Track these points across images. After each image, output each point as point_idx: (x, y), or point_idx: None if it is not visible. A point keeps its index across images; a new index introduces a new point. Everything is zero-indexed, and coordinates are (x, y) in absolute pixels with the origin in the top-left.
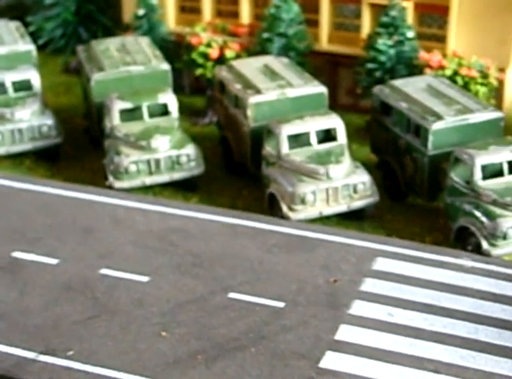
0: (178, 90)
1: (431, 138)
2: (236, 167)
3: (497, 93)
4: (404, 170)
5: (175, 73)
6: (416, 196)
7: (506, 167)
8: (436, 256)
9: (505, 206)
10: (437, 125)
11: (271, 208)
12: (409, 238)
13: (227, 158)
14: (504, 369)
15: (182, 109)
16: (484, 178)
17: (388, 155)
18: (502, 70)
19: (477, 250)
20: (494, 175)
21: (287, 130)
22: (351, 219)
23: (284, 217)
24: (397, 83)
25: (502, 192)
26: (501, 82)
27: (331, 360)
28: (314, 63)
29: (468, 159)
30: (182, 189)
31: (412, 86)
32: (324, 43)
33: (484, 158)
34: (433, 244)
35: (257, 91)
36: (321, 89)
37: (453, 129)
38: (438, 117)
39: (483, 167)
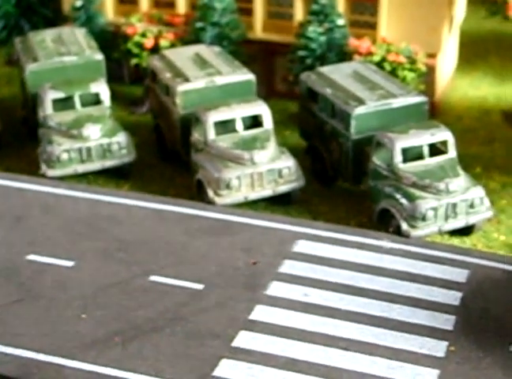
0: (118, 80)
1: (353, 123)
2: (169, 155)
3: (429, 79)
4: (331, 155)
5: (116, 63)
6: (342, 180)
7: (426, 150)
8: (357, 238)
9: (424, 188)
10: (359, 110)
11: (199, 193)
12: (335, 222)
13: (160, 145)
14: (414, 346)
15: (122, 98)
16: (405, 161)
17: (315, 141)
18: (432, 56)
19: (398, 232)
20: (414, 158)
21: (213, 117)
22: (278, 203)
23: (210, 202)
24: (324, 69)
25: (422, 174)
26: (432, 68)
27: (244, 339)
28: (248, 52)
29: (389, 142)
30: (116, 176)
31: (338, 72)
32: (258, 32)
33: (404, 141)
34: (358, 227)
35: (186, 80)
36: (249, 77)
37: (376, 113)
38: (361, 102)
39: (404, 151)
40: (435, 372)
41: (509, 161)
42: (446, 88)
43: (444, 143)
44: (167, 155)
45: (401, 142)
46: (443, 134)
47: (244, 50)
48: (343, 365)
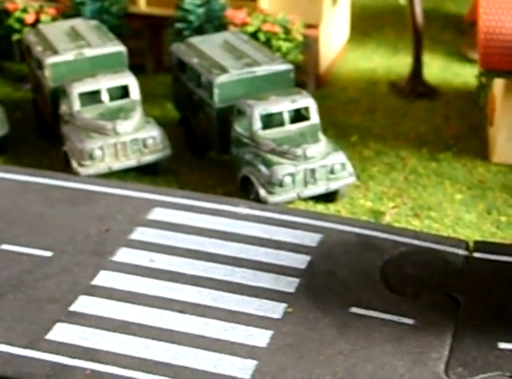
0: (9, 57)
1: (216, 91)
2: (46, 128)
3: (312, 50)
4: (200, 125)
5: (4, 40)
6: (211, 150)
7: (286, 117)
8: (214, 204)
9: (282, 154)
10: (221, 79)
11: (67, 165)
12: (202, 191)
13: (38, 120)
14: (251, 309)
15: (10, 75)
16: (264, 127)
17: (187, 111)
18: (314, 27)
19: (258, 198)
20: (275, 125)
21: (78, 88)
22: (147, 173)
23: (74, 173)
24: (194, 40)
25: (281, 141)
26: (315, 39)
27: (82, 304)
28: (134, 26)
29: (248, 109)
30: None
31: (208, 43)
32: (142, 6)
33: (263, 108)
34: (224, 195)
35: (55, 52)
36: (119, 48)
37: (240, 81)
38: (223, 70)
39: (263, 117)
40: (269, 333)
41: (386, 130)
42: (335, 59)
43: (306, 109)
44: (44, 129)
45: (260, 108)
46: (305, 101)
47: (127, 25)
48: (176, 327)
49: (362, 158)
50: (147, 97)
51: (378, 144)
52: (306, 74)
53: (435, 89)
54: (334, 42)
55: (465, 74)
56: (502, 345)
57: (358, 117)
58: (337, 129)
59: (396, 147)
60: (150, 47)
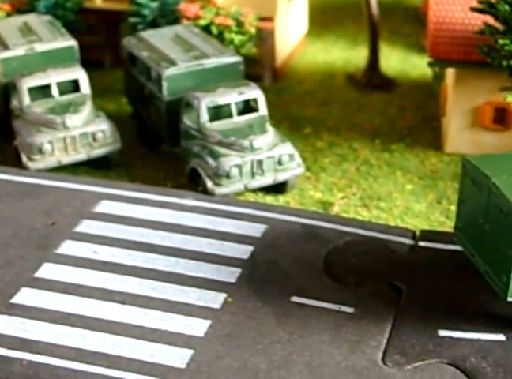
0: None
1: (164, 84)
2: (2, 124)
3: (268, 43)
4: (150, 118)
5: None
6: (163, 143)
7: (234, 109)
8: (161, 197)
9: (229, 146)
10: (169, 71)
11: (18, 159)
12: (153, 183)
13: None
14: (191, 299)
15: None
16: (212, 119)
17: (138, 105)
18: (270, 20)
19: (206, 190)
20: (223, 117)
21: (27, 83)
22: (98, 167)
23: (25, 167)
24: (145, 34)
25: (228, 132)
26: (270, 32)
27: (24, 296)
28: (90, 21)
29: (196, 102)
30: None
31: (158, 36)
32: (98, 1)
33: (210, 100)
34: (174, 187)
35: (6, 47)
36: (70, 43)
37: (188, 74)
38: (172, 63)
39: (210, 109)
40: (207, 322)
41: (341, 122)
42: (293, 52)
43: (255, 101)
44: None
45: (207, 100)
46: (253, 92)
47: (83, 20)
48: (115, 318)
49: (314, 150)
50: (104, 92)
51: (331, 136)
52: (262, 67)
53: (392, 81)
54: (291, 35)
55: (424, 66)
56: (442, 333)
57: (313, 109)
58: (291, 122)
59: (349, 138)
60: (107, 43)
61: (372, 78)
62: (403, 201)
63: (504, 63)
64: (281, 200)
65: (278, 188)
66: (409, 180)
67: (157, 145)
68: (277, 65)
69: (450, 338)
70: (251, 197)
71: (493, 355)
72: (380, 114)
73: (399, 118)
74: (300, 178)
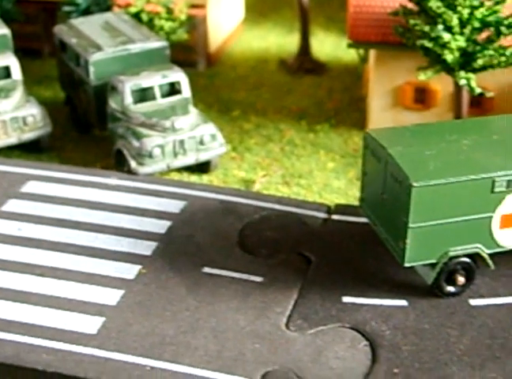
0: None
1: (91, 69)
2: None
3: (201, 29)
4: (81, 103)
5: None
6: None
7: (157, 91)
8: (86, 177)
9: (152, 127)
10: (96, 56)
11: None
12: (83, 165)
13: None
14: (107, 271)
15: None
16: (137, 102)
17: (70, 90)
18: (202, 7)
19: (131, 170)
20: (147, 99)
21: None
22: (31, 151)
23: None
24: (76, 21)
25: (151, 114)
26: (203, 19)
27: None
28: (28, 11)
29: (120, 85)
30: None
31: (88, 23)
32: None
33: (134, 83)
34: (103, 169)
35: None
36: (3, 31)
37: (115, 59)
38: (98, 48)
39: (134, 92)
40: (120, 292)
41: (269, 104)
42: (228, 39)
43: (178, 83)
44: None
45: (131, 84)
46: (176, 75)
47: (20, 10)
48: (33, 290)
49: (242, 131)
50: (42, 80)
51: (258, 118)
52: (196, 53)
53: (323, 65)
54: (226, 22)
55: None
56: (346, 299)
57: (243, 93)
58: (221, 105)
59: (276, 120)
60: (46, 32)
61: (303, 63)
62: (323, 179)
63: (418, 43)
64: (205, 179)
65: (202, 167)
66: (331, 158)
67: (88, 129)
68: (211, 52)
69: (353, 304)
70: (176, 177)
71: (393, 319)
72: (309, 97)
73: (327, 100)
74: (225, 158)
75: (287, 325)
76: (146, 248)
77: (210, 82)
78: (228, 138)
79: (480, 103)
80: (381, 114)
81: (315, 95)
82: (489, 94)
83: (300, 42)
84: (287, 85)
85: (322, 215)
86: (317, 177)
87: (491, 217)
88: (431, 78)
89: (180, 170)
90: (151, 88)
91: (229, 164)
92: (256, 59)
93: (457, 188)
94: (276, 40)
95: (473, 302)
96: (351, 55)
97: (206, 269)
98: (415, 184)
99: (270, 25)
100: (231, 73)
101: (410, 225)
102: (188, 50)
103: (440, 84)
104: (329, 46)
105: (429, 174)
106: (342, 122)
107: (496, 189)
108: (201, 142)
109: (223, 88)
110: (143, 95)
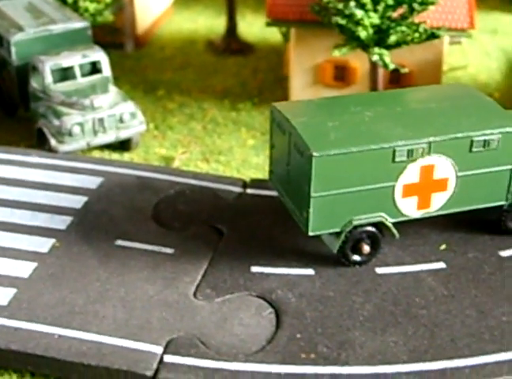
0: None
1: (13, 49)
2: None
3: (129, 11)
4: (5, 84)
5: None
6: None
7: (78, 71)
8: (6, 155)
9: (71, 105)
10: (17, 37)
11: None
12: (6, 145)
13: None
14: (22, 245)
15: None
16: (57, 81)
17: None
18: None
19: (51, 149)
20: (67, 78)
21: None
22: None
23: None
24: (0, 4)
25: (71, 93)
26: (130, 1)
27: None
28: None
29: (40, 65)
30: None
31: (12, 5)
32: None
33: (54, 63)
34: (27, 148)
35: None
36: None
37: (37, 39)
38: (20, 29)
39: (54, 72)
40: (33, 265)
41: (194, 84)
42: (157, 21)
43: (98, 63)
44: None
45: (51, 63)
46: (96, 55)
47: None
48: None
49: (165, 110)
50: None
51: (183, 98)
52: (124, 35)
53: (251, 46)
54: (155, 4)
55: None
56: (254, 269)
57: (169, 73)
58: (147, 85)
59: (200, 99)
60: None
61: (230, 43)
62: (242, 155)
63: (333, 21)
64: (126, 156)
65: (124, 145)
66: (252, 136)
67: (14, 110)
68: (139, 34)
69: (261, 274)
70: (98, 155)
71: (299, 288)
72: (233, 77)
73: (251, 79)
74: (147, 137)
75: (195, 294)
76: (61, 222)
77: (137, 63)
78: (152, 117)
79: (399, 80)
80: (302, 92)
81: (240, 75)
82: (404, 70)
83: (227, 23)
84: (213, 66)
85: (237, 189)
86: (236, 153)
87: (393, 186)
88: (346, 55)
89: (102, 148)
90: (71, 68)
91: (151, 142)
92: (184, 41)
93: (358, 158)
94: (206, 22)
95: (379, 270)
96: (278, 37)
97: (119, 242)
98: (315, 154)
99: (200, 8)
100: (159, 54)
101: (312, 194)
102: (116, 32)
103: (359, 62)
104: (257, 27)
105: (330, 145)
106: (265, 101)
107: (397, 159)
108: (121, 120)
109: (149, 68)
110: (64, 74)
